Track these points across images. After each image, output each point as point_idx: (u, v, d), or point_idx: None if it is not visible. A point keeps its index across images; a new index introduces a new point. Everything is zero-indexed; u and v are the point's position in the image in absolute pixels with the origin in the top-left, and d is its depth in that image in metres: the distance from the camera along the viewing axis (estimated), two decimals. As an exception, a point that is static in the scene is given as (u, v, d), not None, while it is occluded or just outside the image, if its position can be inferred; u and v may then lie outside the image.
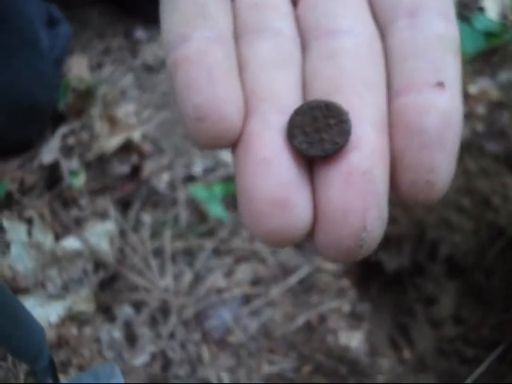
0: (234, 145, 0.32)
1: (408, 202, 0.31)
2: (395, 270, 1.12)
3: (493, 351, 1.14)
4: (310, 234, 0.31)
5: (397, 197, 0.31)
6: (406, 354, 1.18)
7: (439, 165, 0.30)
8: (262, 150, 0.30)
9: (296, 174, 0.30)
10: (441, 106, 0.31)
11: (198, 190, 1.11)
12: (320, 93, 0.33)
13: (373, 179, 0.29)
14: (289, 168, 0.30)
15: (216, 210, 1.10)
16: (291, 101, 0.33)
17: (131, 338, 1.03)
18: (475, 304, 1.20)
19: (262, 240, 0.30)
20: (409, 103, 0.32)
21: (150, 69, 1.35)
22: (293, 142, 0.31)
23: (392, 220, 1.10)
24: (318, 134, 0.32)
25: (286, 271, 1.10)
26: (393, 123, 0.32)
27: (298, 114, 0.32)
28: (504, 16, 1.63)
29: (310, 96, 0.33)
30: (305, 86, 0.34)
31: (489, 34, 1.56)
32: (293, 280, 1.08)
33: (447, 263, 1.16)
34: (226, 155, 1.22)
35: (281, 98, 0.33)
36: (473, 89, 1.29)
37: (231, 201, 1.17)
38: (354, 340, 1.05)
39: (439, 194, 0.31)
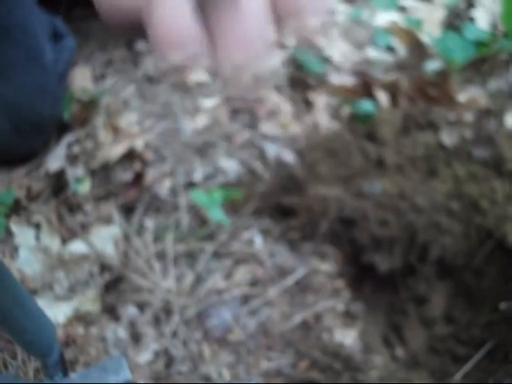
0: None
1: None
2: (388, 271, 1.17)
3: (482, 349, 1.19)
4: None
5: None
6: (399, 351, 1.22)
7: None
8: None
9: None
10: None
11: (198, 196, 1.16)
12: None
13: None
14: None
15: (216, 214, 1.15)
16: None
17: (135, 337, 1.07)
18: (466, 304, 1.25)
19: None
20: None
21: (151, 79, 1.40)
22: None
23: (384, 223, 1.15)
24: None
25: (282, 273, 1.15)
26: None
27: None
28: (494, 26, 1.68)
29: None
30: None
31: (479, 44, 1.61)
32: (289, 281, 1.13)
33: (438, 265, 1.21)
34: (224, 162, 1.27)
35: None
36: (462, 97, 1.35)
37: (230, 206, 1.22)
38: (348, 338, 1.10)
39: None
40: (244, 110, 1.33)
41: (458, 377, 1.15)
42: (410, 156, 1.19)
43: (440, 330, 1.21)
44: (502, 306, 1.14)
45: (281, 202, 1.18)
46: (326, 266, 1.14)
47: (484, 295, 1.20)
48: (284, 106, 1.30)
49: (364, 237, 1.13)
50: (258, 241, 1.17)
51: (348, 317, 1.12)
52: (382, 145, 1.19)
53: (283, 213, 1.19)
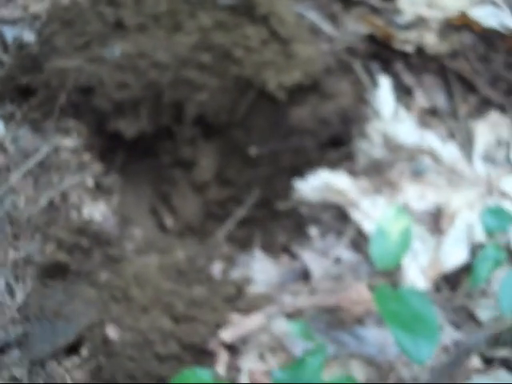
0: None
1: None
2: (136, 136, 1.09)
3: (263, 205, 1.13)
4: None
5: None
6: (169, 221, 1.15)
7: None
8: None
9: None
10: None
11: None
12: None
13: None
14: None
15: None
16: None
17: None
18: (239, 163, 1.17)
19: None
20: None
21: None
22: None
23: (123, 86, 1.07)
24: None
25: (26, 156, 1.06)
26: None
27: None
28: None
29: None
30: None
31: None
32: (31, 162, 1.04)
33: (200, 124, 1.13)
34: None
35: None
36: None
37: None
38: (97, 212, 1.02)
39: None
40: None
41: (220, 236, 1.09)
42: (153, 14, 1.10)
43: (215, 193, 1.13)
44: (252, 151, 1.07)
45: (20, 84, 1.09)
46: (70, 142, 1.06)
47: (258, 149, 1.12)
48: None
49: (104, 103, 1.04)
50: (1, 128, 1.08)
51: (99, 191, 1.04)
52: (121, 7, 1.09)
53: (24, 94, 1.09)
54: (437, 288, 0.97)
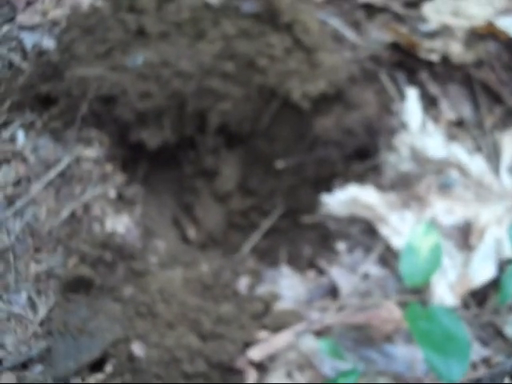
0: None
1: None
2: (159, 147, 1.07)
3: (287, 217, 1.11)
4: None
5: None
6: (191, 232, 1.13)
7: None
8: None
9: None
10: None
11: None
12: None
13: None
14: None
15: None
16: None
17: None
18: (263, 173, 1.16)
19: None
20: None
21: None
22: None
23: (146, 95, 1.05)
24: None
25: (47, 166, 1.05)
26: None
27: None
28: None
29: None
30: None
31: None
32: (52, 173, 1.02)
33: (223, 134, 1.11)
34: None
35: None
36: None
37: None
38: (120, 225, 1.00)
39: None
40: (3, 3, 1.19)
41: (245, 249, 1.07)
42: (175, 21, 1.07)
43: (237, 203, 1.12)
44: (279, 164, 1.06)
45: (40, 92, 1.06)
46: (92, 152, 1.04)
47: (279, 158, 1.11)
48: (43, -10, 1.16)
49: (126, 113, 1.02)
50: (20, 137, 1.06)
51: (122, 202, 1.02)
52: (143, 14, 1.07)
53: (44, 103, 1.07)
54: (465, 304, 0.96)
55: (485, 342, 0.95)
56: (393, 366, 0.90)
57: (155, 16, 1.07)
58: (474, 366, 0.94)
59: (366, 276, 0.96)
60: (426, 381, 0.91)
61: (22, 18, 1.13)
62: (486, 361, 0.95)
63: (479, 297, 0.97)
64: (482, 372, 0.94)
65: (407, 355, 0.91)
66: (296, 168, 1.11)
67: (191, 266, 0.98)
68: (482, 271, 0.96)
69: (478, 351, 0.94)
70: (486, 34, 1.12)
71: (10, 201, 1.02)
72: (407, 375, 0.91)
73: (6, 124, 1.07)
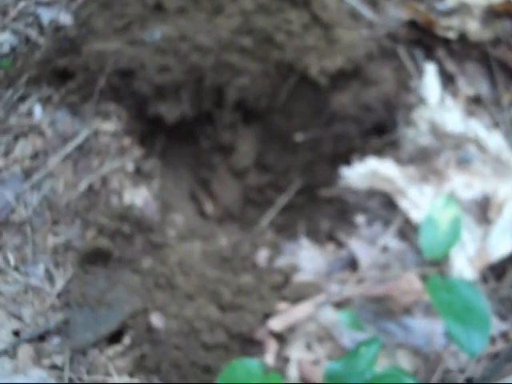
0: None
1: None
2: (177, 121, 1.06)
3: (305, 192, 1.11)
4: None
5: None
6: (208, 207, 1.13)
7: None
8: None
9: None
10: None
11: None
12: None
13: None
14: None
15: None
16: None
17: None
18: (279, 148, 1.15)
19: None
20: None
21: None
22: None
23: (164, 69, 1.04)
24: None
25: (64, 140, 1.04)
26: None
27: None
28: None
29: None
30: None
31: None
32: (70, 147, 1.02)
33: (240, 109, 1.11)
34: (-2, 35, 1.14)
35: None
36: None
37: (5, 79, 1.10)
38: (139, 198, 1.00)
39: None
40: (19, -22, 1.18)
41: (263, 224, 1.07)
42: (193, -4, 1.07)
43: (254, 179, 1.12)
44: (298, 137, 1.05)
45: (57, 66, 1.06)
46: (110, 125, 1.03)
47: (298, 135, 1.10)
48: (60, -35, 1.16)
49: (145, 87, 1.02)
50: (38, 111, 1.06)
51: (140, 176, 1.02)
52: (161, -12, 1.07)
53: (61, 77, 1.07)
54: (483, 278, 0.95)
55: (503, 317, 0.95)
56: (411, 339, 0.90)
57: (172, -10, 1.07)
58: (492, 340, 0.93)
59: (385, 249, 0.95)
60: (445, 354, 0.91)
61: (38, -7, 1.12)
62: (504, 335, 0.94)
63: (497, 271, 0.97)
64: (500, 346, 0.94)
65: (426, 328, 0.91)
66: (313, 143, 1.11)
67: (209, 239, 0.98)
68: (501, 245, 0.96)
69: (496, 325, 0.93)
70: (502, 11, 1.12)
71: (28, 174, 1.02)
72: (426, 349, 0.91)
73: (23, 98, 1.07)
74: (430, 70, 1.06)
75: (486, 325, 0.83)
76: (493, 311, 0.95)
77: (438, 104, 1.02)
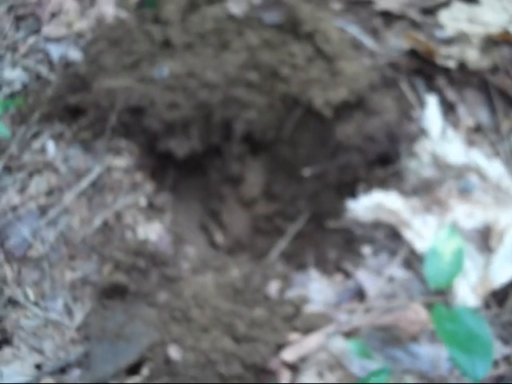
0: None
1: None
2: (187, 156, 1.10)
3: (312, 221, 1.15)
4: None
5: None
6: (219, 237, 1.17)
7: None
8: None
9: None
10: None
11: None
12: None
13: None
14: None
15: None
16: None
17: None
18: (286, 178, 1.19)
19: None
20: None
21: None
22: None
23: (173, 106, 1.08)
24: None
25: (78, 176, 1.08)
26: None
27: None
28: None
29: None
30: None
31: None
32: (84, 183, 1.06)
33: (247, 142, 1.15)
34: (9, 73, 1.16)
35: None
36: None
37: (17, 116, 1.13)
38: (152, 232, 1.03)
39: None
40: (27, 15, 1.21)
41: (273, 254, 1.11)
42: (199, 32, 1.10)
43: (262, 209, 1.15)
44: (306, 172, 1.09)
45: (69, 103, 1.09)
46: (122, 161, 1.07)
47: (303, 165, 1.14)
48: (68, 3, 1.18)
49: (155, 123, 1.05)
50: (51, 148, 1.09)
51: (152, 210, 1.06)
52: (168, 25, 1.10)
53: (73, 114, 1.10)
54: (486, 304, 0.99)
55: (506, 341, 0.99)
56: (418, 365, 0.94)
57: (180, 27, 1.10)
58: (495, 364, 0.98)
59: (391, 279, 0.99)
60: (450, 379, 0.95)
61: (48, 29, 1.15)
62: (506, 358, 0.98)
63: (500, 297, 1.01)
64: (503, 369, 0.98)
65: (432, 354, 0.95)
66: (319, 174, 1.14)
67: (222, 271, 1.02)
68: (502, 273, 1.00)
69: (499, 349, 0.97)
70: (501, 40, 1.16)
71: (43, 210, 1.05)
72: (432, 373, 0.95)
73: (36, 135, 1.10)
74: (432, 102, 1.10)
75: (489, 351, 0.87)
76: (495, 336, 0.99)
77: (439, 135, 1.06)
